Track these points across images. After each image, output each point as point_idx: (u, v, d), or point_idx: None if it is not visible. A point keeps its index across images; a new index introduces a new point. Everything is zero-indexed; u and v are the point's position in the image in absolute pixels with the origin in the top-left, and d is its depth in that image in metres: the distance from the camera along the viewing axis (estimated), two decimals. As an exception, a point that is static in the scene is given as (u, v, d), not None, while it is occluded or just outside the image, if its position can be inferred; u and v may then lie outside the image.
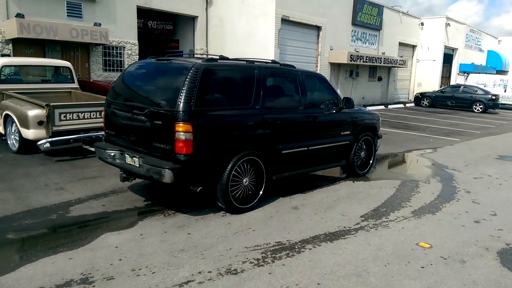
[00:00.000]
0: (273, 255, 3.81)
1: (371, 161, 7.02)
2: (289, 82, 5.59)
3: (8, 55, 11.69)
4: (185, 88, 4.24)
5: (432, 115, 18.82)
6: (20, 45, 12.11)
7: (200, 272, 3.45)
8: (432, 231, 4.57)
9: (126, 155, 4.80)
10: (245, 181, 4.86)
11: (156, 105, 4.46)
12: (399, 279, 3.48)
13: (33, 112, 6.75)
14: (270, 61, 5.57)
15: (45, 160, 7.00)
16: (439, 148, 10.22)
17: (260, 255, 3.80)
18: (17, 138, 7.16)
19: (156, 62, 4.91)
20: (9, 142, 7.46)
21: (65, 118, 6.94)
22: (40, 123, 6.74)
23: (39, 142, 6.65)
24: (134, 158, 4.68)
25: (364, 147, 6.87)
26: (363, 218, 4.87)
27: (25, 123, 6.81)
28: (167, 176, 4.20)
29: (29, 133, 6.80)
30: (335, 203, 5.41)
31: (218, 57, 4.86)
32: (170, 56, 5.10)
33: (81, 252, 3.76)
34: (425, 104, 23.74)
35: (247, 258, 3.73)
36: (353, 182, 6.52)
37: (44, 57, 12.51)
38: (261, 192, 5.05)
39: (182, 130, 4.19)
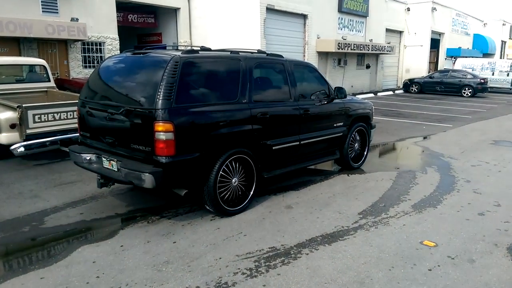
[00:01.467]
0: (267, 263, 3.48)
1: (365, 153, 6.72)
2: (277, 73, 5.22)
3: (-19, 55, 11.10)
4: (163, 84, 3.86)
5: (422, 102, 18.63)
6: (-7, 44, 11.51)
7: (186, 288, 3.11)
8: (435, 227, 4.28)
9: (103, 159, 4.41)
10: (234, 181, 4.51)
11: (132, 103, 4.07)
12: (405, 285, 3.18)
13: (4, 115, 6.29)
14: (256, 51, 5.19)
15: (21, 165, 6.56)
16: (432, 135, 9.98)
17: (253, 264, 3.47)
18: (-11, 143, 6.69)
19: (132, 56, 4.51)
20: (-19, 147, 6.98)
21: (39, 120, 6.48)
22: (12, 126, 6.28)
23: (12, 147, 6.19)
24: (111, 161, 4.30)
25: (358, 138, 6.56)
26: (361, 216, 4.56)
27: (-4, 126, 6.35)
28: (148, 180, 3.83)
29: (1, 137, 6.33)
30: (331, 199, 5.10)
31: (199, 48, 4.47)
32: (148, 49, 4.70)
33: (55, 270, 3.39)
34: (414, 91, 23.57)
35: (239, 269, 3.39)
36: (348, 175, 6.22)
37: (20, 55, 11.93)
38: (251, 192, 4.71)
39: (162, 130, 3.81)
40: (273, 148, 4.87)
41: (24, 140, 6.35)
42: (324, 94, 5.80)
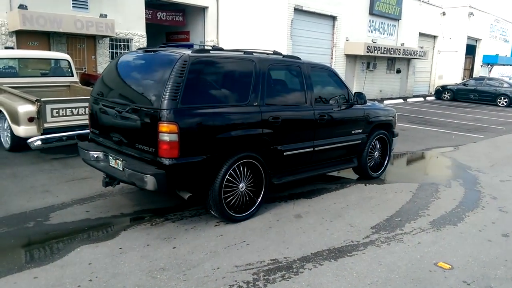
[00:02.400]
0: (266, 277, 3.29)
1: (385, 162, 6.42)
2: (293, 75, 5.02)
3: (12, 48, 11.41)
4: (170, 83, 3.74)
5: (453, 110, 17.92)
6: (24, 38, 11.82)
7: (178, 299, 2.96)
8: (453, 247, 3.97)
9: (110, 157, 4.34)
10: (242, 186, 4.35)
11: (139, 102, 3.98)
12: (413, 311, 2.93)
13: (23, 108, 6.37)
14: (272, 52, 5.01)
15: (38, 159, 6.63)
16: (461, 146, 9.50)
17: (251, 277, 3.29)
18: (9, 135, 6.80)
19: (143, 54, 4.42)
20: (2, 139, 7.12)
21: (57, 114, 6.52)
22: (30, 120, 6.35)
23: (29, 140, 6.26)
24: (117, 160, 4.22)
25: (378, 146, 6.27)
26: (374, 230, 4.31)
27: (15, 119, 6.44)
28: (150, 183, 3.72)
29: (20, 130, 6.42)
30: (344, 210, 4.85)
31: (210, 48, 4.33)
32: (163, 46, 4.61)
33: (49, 270, 3.32)
34: (447, 98, 22.73)
35: (236, 281, 3.22)
36: (365, 185, 5.94)
37: (49, 49, 12.21)
38: (259, 199, 4.53)
39: (166, 131, 3.69)
40: (285, 154, 4.67)
41: (42, 134, 6.42)
42: (343, 99, 5.56)
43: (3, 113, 6.79)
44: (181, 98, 3.74)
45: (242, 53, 4.55)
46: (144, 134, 3.90)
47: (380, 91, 21.41)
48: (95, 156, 4.47)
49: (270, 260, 3.58)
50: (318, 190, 5.58)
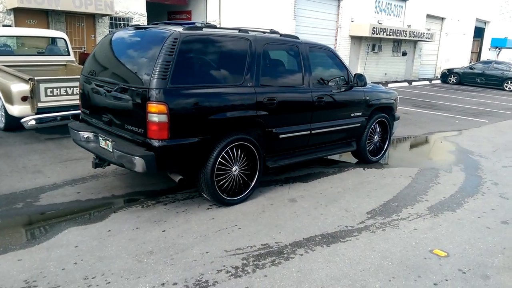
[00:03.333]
0: (255, 262, 3.21)
1: (385, 146, 6.28)
2: (290, 55, 4.85)
3: (10, 26, 11.23)
4: (159, 61, 3.59)
5: (459, 93, 17.63)
6: (22, 16, 11.62)
7: (163, 284, 2.89)
8: (450, 234, 3.87)
9: (100, 138, 4.24)
10: (235, 169, 4.24)
11: (128, 81, 3.84)
12: (405, 300, 2.84)
13: (17, 87, 6.24)
14: (268, 31, 4.83)
15: (32, 139, 6.55)
16: (464, 131, 9.32)
17: (240, 262, 3.21)
18: (3, 115, 6.71)
19: (134, 31, 4.26)
20: (-4, 118, 7.03)
21: (51, 94, 6.40)
22: (24, 99, 6.23)
23: (22, 120, 6.15)
24: (107, 141, 4.12)
25: (378, 129, 6.12)
26: (369, 215, 4.21)
27: (9, 98, 6.32)
28: (138, 164, 3.61)
29: (13, 110, 6.31)
30: (340, 195, 4.75)
31: (203, 25, 4.16)
32: (156, 23, 4.45)
33: (35, 252, 3.26)
34: (453, 81, 22.37)
35: (224, 266, 3.15)
36: (364, 169, 5.82)
37: (48, 28, 12.00)
38: (253, 182, 4.43)
39: (155, 111, 3.57)
40: (280, 136, 4.55)
41: (36, 114, 6.31)
42: (343, 81, 5.39)
43: (-3, 92, 6.68)
44: (171, 77, 3.60)
45: (237, 31, 4.38)
46: (133, 114, 3.78)
47: (385, 74, 21.07)
48: (85, 136, 4.37)
49: (261, 245, 3.50)
50: (315, 174, 5.47)
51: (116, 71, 4.09)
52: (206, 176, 3.99)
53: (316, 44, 5.19)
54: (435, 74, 25.97)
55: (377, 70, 20.37)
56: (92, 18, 13.14)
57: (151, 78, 3.56)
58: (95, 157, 4.41)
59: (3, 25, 11.15)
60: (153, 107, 3.56)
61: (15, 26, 11.36)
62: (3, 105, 6.56)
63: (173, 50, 3.65)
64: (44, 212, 4.02)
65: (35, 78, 6.19)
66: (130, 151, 3.65)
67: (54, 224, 3.75)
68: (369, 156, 6.02)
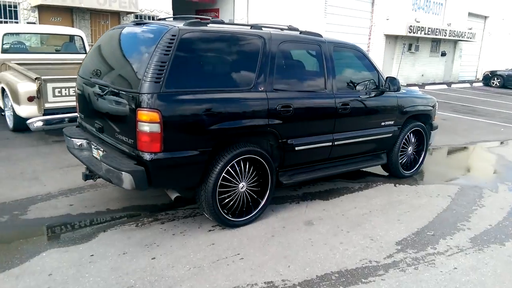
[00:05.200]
0: (254, 308, 2.64)
1: (420, 159, 5.54)
2: (311, 55, 4.24)
3: (34, 23, 11.13)
4: (153, 62, 3.08)
5: (503, 98, 16.33)
6: (47, 13, 11.48)
7: (136, 335, 2.37)
8: (498, 277, 3.15)
9: (92, 146, 3.79)
10: (242, 186, 3.68)
11: (119, 84, 3.36)
12: None
13: (23, 86, 5.94)
14: (287, 27, 4.23)
15: (39, 141, 6.24)
16: (511, 141, 8.36)
17: (235, 307, 2.65)
18: (12, 115, 6.44)
19: (132, 27, 3.77)
20: (7, 118, 6.78)
21: (60, 94, 6.06)
22: (30, 99, 5.92)
23: (28, 121, 5.85)
24: (99, 151, 3.66)
25: (413, 140, 5.40)
26: (399, 247, 3.54)
27: (16, 98, 6.04)
28: (126, 181, 3.12)
29: (20, 110, 6.02)
30: (365, 218, 4.09)
31: (209, 20, 3.62)
32: (162, 19, 3.96)
33: (1, 279, 2.82)
34: (496, 85, 20.91)
35: (215, 311, 2.59)
36: (395, 185, 5.12)
37: (72, 25, 11.85)
38: (263, 201, 3.85)
39: (146, 120, 3.06)
40: (296, 148, 3.95)
41: (43, 115, 5.99)
42: (373, 84, 4.72)
43: (6, 91, 6.42)
44: (166, 80, 3.08)
45: (249, 27, 3.81)
46: (123, 122, 3.29)
47: (422, 75, 19.94)
48: (78, 144, 3.94)
49: (264, 283, 2.91)
50: (337, 190, 4.83)
51: (109, 72, 3.61)
52: (207, 194, 3.45)
53: (341, 42, 4.54)
54: (476, 76, 24.48)
55: (413, 71, 19.29)
56: (117, 16, 12.91)
57: (143, 81, 3.05)
58: (86, 167, 3.96)
59: (28, 22, 11.06)
60: (143, 114, 3.05)
61: (40, 23, 11.25)
62: (12, 105, 6.29)
63: (169, 48, 3.12)
64: (28, 227, 3.60)
65: (42, 77, 5.86)
66: (118, 165, 3.15)
67: (34, 244, 3.31)
68: (402, 171, 5.32)
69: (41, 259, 3.09)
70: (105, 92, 3.40)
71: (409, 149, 5.38)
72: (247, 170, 3.68)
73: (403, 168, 5.35)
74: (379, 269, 3.16)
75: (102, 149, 3.58)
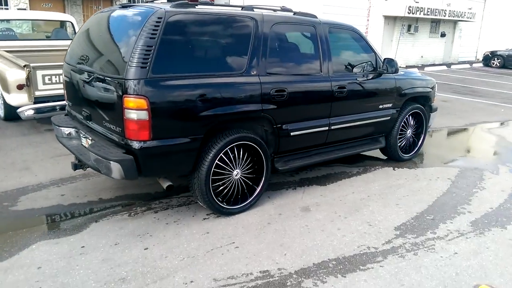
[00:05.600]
0: (249, 299, 2.57)
1: (419, 142, 5.44)
2: (305, 37, 4.10)
3: (24, 9, 10.89)
4: (139, 45, 2.94)
5: (503, 78, 16.15)
6: (38, -1, 11.26)
7: (126, 329, 2.30)
8: (500, 262, 3.08)
9: (81, 135, 3.68)
10: (236, 173, 3.59)
11: (104, 69, 3.23)
12: None
13: (12, 74, 5.78)
14: (280, 8, 4.07)
15: (31, 130, 6.12)
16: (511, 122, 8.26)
17: (229, 298, 2.58)
18: (3, 103, 6.31)
19: (118, 10, 3.62)
20: (-2, 107, 6.65)
21: (50, 81, 5.91)
22: (20, 87, 5.77)
23: (19, 110, 5.71)
24: (88, 139, 3.55)
25: (412, 123, 5.29)
26: (398, 232, 3.46)
27: (5, 86, 5.89)
28: (115, 170, 3.02)
29: (10, 99, 5.88)
30: (363, 203, 4.01)
31: (197, 2, 3.46)
32: (150, 1, 3.81)
33: (-11, 274, 2.74)
34: (496, 65, 20.68)
35: (208, 303, 2.52)
36: (394, 169, 5.03)
37: (64, 11, 11.63)
38: (258, 188, 3.76)
39: (133, 107, 2.94)
40: (292, 134, 3.84)
41: (34, 103, 5.86)
42: (370, 66, 4.58)
43: (-5, 79, 6.27)
44: (153, 65, 2.95)
45: (240, 8, 3.66)
46: (110, 109, 3.17)
47: (422, 56, 19.70)
48: (67, 132, 3.83)
49: (260, 272, 2.84)
50: (335, 175, 4.74)
51: (96, 58, 3.47)
52: (200, 182, 3.35)
53: (337, 23, 4.38)
54: (476, 57, 24.20)
55: (413, 52, 19.04)
56: (109, 1, 12.65)
57: (128, 67, 2.92)
58: (75, 157, 3.85)
59: (18, 9, 10.83)
60: (130, 101, 2.93)
61: (30, 9, 11.02)
62: (1, 93, 6.15)
63: (155, 32, 2.98)
64: (18, 219, 3.52)
65: (31, 64, 5.70)
66: (106, 155, 3.05)
67: (24, 236, 3.23)
68: (400, 154, 5.22)
69: (30, 252, 3.01)
70: (90, 78, 3.27)
71: (408, 132, 5.27)
72: (241, 157, 3.57)
73: (402, 151, 5.25)
74: (378, 256, 3.08)
75: (90, 138, 3.47)
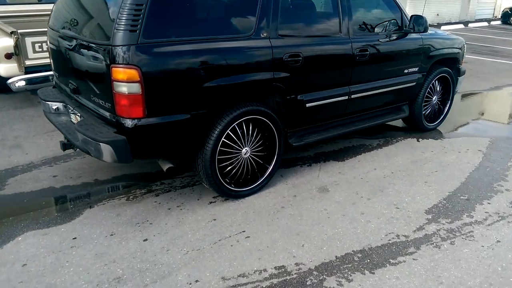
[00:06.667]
0: (263, 303, 2.21)
1: (446, 109, 4.95)
2: (323, -8, 3.55)
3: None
4: (126, 5, 2.45)
5: (525, 36, 15.24)
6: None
7: None
8: (551, 251, 2.68)
9: (69, 110, 3.26)
10: (245, 152, 3.17)
11: (89, 35, 2.76)
12: None
13: (0, 42, 5.31)
14: (292, -42, 3.50)
15: (24, 102, 5.71)
16: (541, 84, 7.64)
17: (240, 302, 2.22)
18: (-8, 74, 5.87)
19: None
20: (-12, 78, 6.21)
21: (41, 49, 5.42)
22: (7, 57, 5.30)
23: (8, 81, 5.26)
24: (76, 115, 3.13)
25: (438, 88, 4.78)
26: (429, 216, 3.06)
27: (-7, 56, 5.43)
28: (106, 153, 2.61)
29: (0, 69, 5.44)
30: (387, 181, 3.59)
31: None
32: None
33: (-32, 274, 2.41)
34: (516, 22, 19.57)
35: (216, 309, 2.17)
36: (418, 140, 4.57)
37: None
38: (271, 167, 3.35)
39: (122, 79, 2.49)
40: (307, 105, 3.38)
41: (25, 73, 5.41)
42: (394, 25, 4.03)
43: (-17, 48, 5.80)
44: (144, 28, 2.48)
45: (247, -42, 3.11)
46: (97, 81, 2.73)
47: (437, 15, 18.65)
48: (54, 107, 3.40)
49: (275, 268, 2.47)
50: (353, 148, 4.30)
51: (80, 21, 2.98)
52: (205, 163, 2.95)
53: (359, -25, 3.80)
54: (494, 14, 22.95)
55: (427, 10, 18.00)
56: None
57: (115, 30, 2.45)
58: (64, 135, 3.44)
59: (9, -29, 10.14)
60: (119, 72, 2.48)
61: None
62: (-9, 63, 5.69)
63: (146, -13, 2.48)
64: (4, 206, 3.17)
65: (19, 31, 5.21)
66: (94, 135, 2.63)
67: (10, 226, 2.88)
68: (425, 123, 4.74)
69: (16, 245, 2.67)
70: (73, 45, 2.81)
71: (433, 98, 4.77)
72: (250, 133, 3.14)
73: (426, 120, 4.77)
74: (409, 246, 2.69)
75: (79, 114, 3.04)
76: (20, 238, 2.75)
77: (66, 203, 3.22)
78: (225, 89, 2.83)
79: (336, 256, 2.58)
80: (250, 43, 2.93)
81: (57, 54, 3.34)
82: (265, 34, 3.00)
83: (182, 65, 2.63)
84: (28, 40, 5.29)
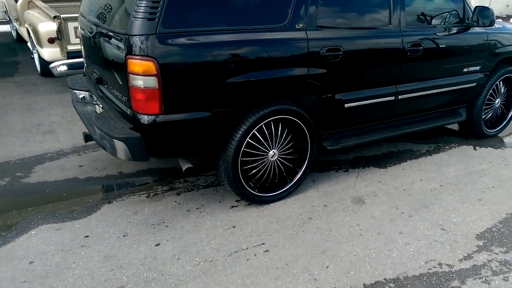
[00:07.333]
0: (273, 333, 1.95)
1: (510, 114, 4.36)
2: (371, -22, 3.14)
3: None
4: (145, -9, 2.24)
5: None
6: None
7: None
8: None
9: (93, 101, 3.14)
10: (273, 154, 2.89)
11: (110, 22, 2.58)
12: None
13: (43, 26, 5.36)
14: None
15: (65, 87, 5.74)
16: None
17: (248, 329, 1.98)
18: (38, 58, 5.98)
19: None
20: (36, 61, 6.36)
21: (83, 34, 5.43)
22: (50, 41, 5.35)
23: (51, 65, 5.31)
24: (99, 106, 3.00)
25: (503, 90, 4.21)
26: (481, 243, 2.63)
27: (38, 39, 5.51)
28: (120, 150, 2.44)
29: (43, 53, 5.50)
30: (434, 195, 3.18)
31: None
32: None
33: (-25, 267, 2.36)
34: None
35: (220, 336, 1.94)
36: (475, 149, 4.06)
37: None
38: (301, 172, 3.05)
39: (138, 72, 2.29)
40: (346, 105, 3.03)
41: (67, 58, 5.44)
42: (455, 17, 3.54)
43: (30, 32, 5.92)
44: (163, 16, 2.25)
45: None
46: (116, 73, 2.55)
47: (507, 6, 17.07)
48: (81, 96, 3.30)
49: (292, 291, 2.20)
50: (399, 154, 3.89)
51: (102, 8, 2.81)
52: (226, 165, 2.71)
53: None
54: None
55: (496, 1, 16.51)
56: None
57: (132, 18, 2.25)
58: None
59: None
60: (135, 64, 2.28)
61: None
62: (36, 47, 5.79)
63: (167, -29, 2.25)
64: (26, 195, 3.12)
65: (62, 15, 5.22)
66: (109, 130, 2.46)
67: (27, 217, 2.82)
68: (485, 129, 4.21)
69: (28, 239, 2.59)
70: (94, 33, 2.65)
71: (496, 101, 4.21)
72: (279, 134, 2.85)
73: (486, 126, 4.23)
74: (453, 278, 2.31)
75: (101, 106, 2.91)
76: (33, 232, 2.67)
77: (86, 196, 3.11)
78: (252, 86, 2.56)
79: (365, 284, 2.26)
80: (283, 34, 2.62)
81: (85, 41, 3.23)
82: (301, 25, 2.68)
83: (203, 57, 2.38)
84: (71, 25, 5.30)
